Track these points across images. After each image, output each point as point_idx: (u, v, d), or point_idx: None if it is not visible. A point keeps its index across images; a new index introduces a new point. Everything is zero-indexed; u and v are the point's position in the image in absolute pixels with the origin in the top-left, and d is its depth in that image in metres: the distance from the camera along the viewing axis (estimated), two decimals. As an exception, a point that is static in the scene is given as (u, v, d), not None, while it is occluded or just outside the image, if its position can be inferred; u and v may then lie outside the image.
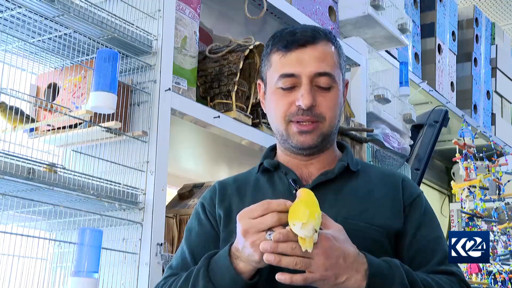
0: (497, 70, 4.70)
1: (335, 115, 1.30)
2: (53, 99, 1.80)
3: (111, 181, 1.70)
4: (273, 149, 1.41)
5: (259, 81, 1.39)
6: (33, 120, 1.73)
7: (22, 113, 1.69)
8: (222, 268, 1.14)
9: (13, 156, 1.49)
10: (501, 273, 2.76)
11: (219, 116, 2.03)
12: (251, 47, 2.15)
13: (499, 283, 2.75)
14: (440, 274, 1.21)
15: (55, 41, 1.72)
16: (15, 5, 1.56)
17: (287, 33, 1.30)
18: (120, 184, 1.71)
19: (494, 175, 2.96)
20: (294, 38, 1.28)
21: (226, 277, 1.14)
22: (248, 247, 1.09)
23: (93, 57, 1.70)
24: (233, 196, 1.33)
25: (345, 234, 1.12)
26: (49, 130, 1.77)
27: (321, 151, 1.33)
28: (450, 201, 4.77)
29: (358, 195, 1.28)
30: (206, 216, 1.33)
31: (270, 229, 1.08)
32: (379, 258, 1.15)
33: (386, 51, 3.44)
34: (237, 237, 1.12)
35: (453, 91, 4.17)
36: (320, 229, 1.09)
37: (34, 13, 1.60)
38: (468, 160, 2.83)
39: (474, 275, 2.64)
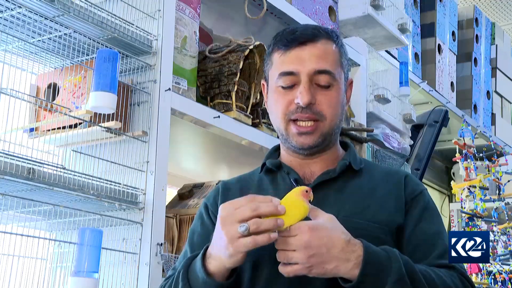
0: (497, 70, 4.70)
1: (336, 113, 1.29)
2: (53, 99, 1.80)
3: (111, 181, 1.70)
4: (277, 149, 1.41)
5: (262, 81, 1.39)
6: None
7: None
8: (196, 269, 1.15)
9: (13, 156, 1.49)
10: (501, 273, 2.76)
11: (219, 116, 2.03)
12: (251, 47, 2.15)
13: (499, 283, 2.75)
14: (440, 268, 1.20)
15: (55, 41, 1.71)
16: (15, 5, 1.56)
17: (288, 32, 1.31)
18: (120, 184, 1.71)
19: (494, 175, 2.96)
20: (294, 36, 1.28)
21: (199, 279, 1.14)
22: (224, 237, 1.08)
23: (93, 57, 1.70)
24: (235, 196, 1.32)
25: (335, 222, 1.12)
26: (49, 130, 1.77)
27: (323, 151, 1.32)
28: (450, 201, 4.77)
29: (360, 193, 1.28)
30: (209, 216, 1.34)
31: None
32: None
33: (386, 51, 3.44)
34: (215, 229, 1.12)
35: (453, 91, 4.17)
36: (309, 219, 1.11)
37: (34, 13, 1.60)
38: (468, 160, 2.82)
39: (474, 275, 2.64)
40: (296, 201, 1.12)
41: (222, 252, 1.10)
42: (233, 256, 1.09)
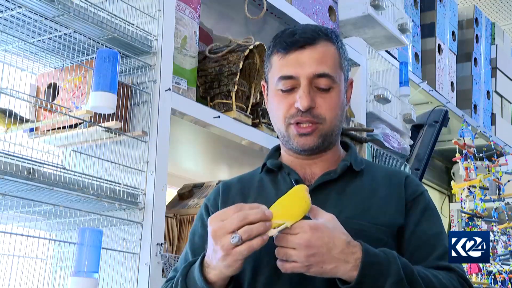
0: (497, 70, 4.70)
1: (336, 115, 1.29)
2: (53, 99, 1.80)
3: (111, 181, 1.70)
4: (277, 149, 1.41)
5: (263, 82, 1.39)
6: (27, 121, 1.73)
7: (15, 115, 1.68)
8: (195, 278, 1.15)
9: (13, 156, 1.49)
10: (501, 273, 2.76)
11: (219, 116, 2.03)
12: (251, 47, 2.15)
13: (499, 283, 2.75)
14: (439, 270, 1.20)
15: (55, 41, 1.71)
16: (15, 5, 1.56)
17: (287, 34, 1.30)
18: (120, 184, 1.71)
19: (494, 175, 2.96)
20: (293, 39, 1.27)
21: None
22: (219, 250, 1.08)
23: (93, 57, 1.70)
24: (236, 197, 1.33)
25: (336, 223, 1.12)
26: (49, 130, 1.77)
27: (323, 152, 1.32)
28: (450, 201, 4.77)
29: (361, 194, 1.28)
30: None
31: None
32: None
33: (386, 51, 3.44)
34: (208, 241, 1.12)
35: (453, 91, 4.17)
36: (310, 218, 1.11)
37: (34, 13, 1.60)
38: (468, 160, 2.82)
39: (474, 275, 2.64)
40: (298, 198, 1.12)
41: (220, 264, 1.10)
42: (231, 266, 1.10)
